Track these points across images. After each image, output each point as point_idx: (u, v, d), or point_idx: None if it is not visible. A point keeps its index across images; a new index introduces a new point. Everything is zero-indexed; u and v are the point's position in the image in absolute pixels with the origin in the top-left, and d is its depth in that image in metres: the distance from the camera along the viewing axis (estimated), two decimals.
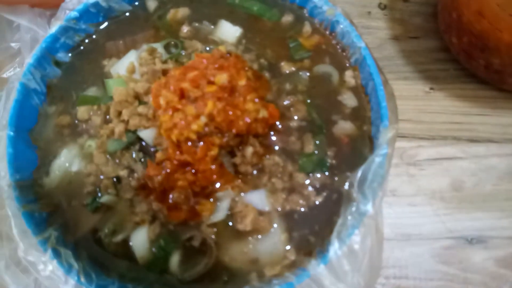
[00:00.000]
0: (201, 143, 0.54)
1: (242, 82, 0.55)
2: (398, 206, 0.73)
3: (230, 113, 0.53)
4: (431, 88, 0.82)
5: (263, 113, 0.55)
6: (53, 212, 0.58)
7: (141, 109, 0.58)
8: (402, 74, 0.84)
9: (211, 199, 0.56)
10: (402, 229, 0.72)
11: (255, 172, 0.57)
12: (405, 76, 0.83)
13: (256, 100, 0.55)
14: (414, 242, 0.72)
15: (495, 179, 0.75)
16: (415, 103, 0.81)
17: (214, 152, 0.54)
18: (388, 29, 0.88)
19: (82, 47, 0.68)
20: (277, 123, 0.60)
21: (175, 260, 0.55)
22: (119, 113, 0.59)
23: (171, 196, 0.56)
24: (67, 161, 0.60)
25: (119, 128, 0.58)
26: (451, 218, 0.73)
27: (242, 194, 0.56)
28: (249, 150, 0.56)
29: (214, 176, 0.55)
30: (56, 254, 0.53)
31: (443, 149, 0.77)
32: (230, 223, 0.56)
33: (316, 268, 0.50)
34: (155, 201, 0.57)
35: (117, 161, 0.59)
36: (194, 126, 0.52)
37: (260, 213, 0.55)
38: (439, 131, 0.79)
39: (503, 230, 0.72)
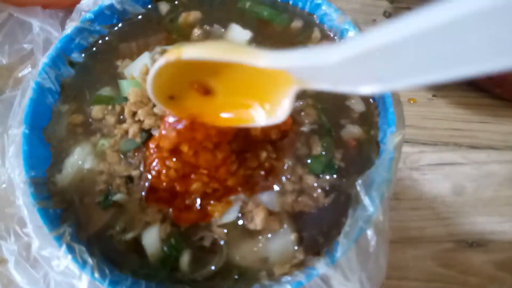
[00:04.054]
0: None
1: None
2: (401, 209, 0.75)
3: None
4: (434, 95, 0.84)
5: None
6: (66, 209, 0.59)
7: (157, 109, 0.59)
8: None
9: (223, 201, 0.58)
10: (404, 231, 0.74)
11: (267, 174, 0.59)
12: None
13: None
14: (416, 245, 0.73)
15: (495, 185, 0.77)
16: (418, 109, 0.83)
17: (231, 158, 0.56)
18: None
19: (95, 48, 0.69)
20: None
21: (185, 259, 0.56)
22: (134, 113, 0.60)
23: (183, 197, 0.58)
24: (80, 159, 0.61)
25: (133, 128, 0.60)
26: (452, 222, 0.75)
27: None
28: (263, 155, 0.58)
29: (227, 179, 0.57)
30: (71, 250, 0.53)
31: (444, 155, 0.79)
32: (240, 222, 0.57)
33: (324, 267, 0.52)
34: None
35: (129, 160, 0.60)
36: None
37: (270, 213, 0.57)
38: (441, 137, 0.81)
39: (502, 235, 0.74)
